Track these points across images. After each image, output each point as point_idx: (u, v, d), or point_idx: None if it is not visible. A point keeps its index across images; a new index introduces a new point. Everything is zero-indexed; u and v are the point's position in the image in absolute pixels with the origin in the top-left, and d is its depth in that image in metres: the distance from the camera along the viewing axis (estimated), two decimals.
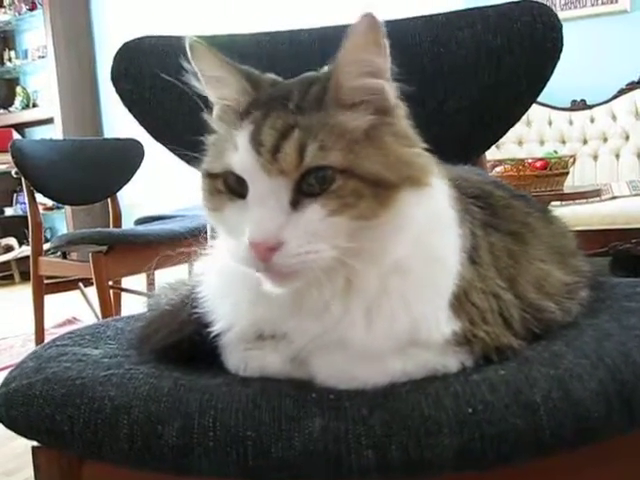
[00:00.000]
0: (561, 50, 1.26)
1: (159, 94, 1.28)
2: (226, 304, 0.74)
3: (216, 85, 0.67)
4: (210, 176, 0.66)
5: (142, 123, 1.30)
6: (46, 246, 3.07)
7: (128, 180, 3.32)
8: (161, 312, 0.83)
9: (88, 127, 5.57)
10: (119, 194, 3.39)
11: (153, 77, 1.27)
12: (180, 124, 1.24)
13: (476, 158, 1.35)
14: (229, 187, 0.64)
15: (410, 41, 1.27)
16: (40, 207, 5.26)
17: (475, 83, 1.27)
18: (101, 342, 0.89)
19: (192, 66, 0.67)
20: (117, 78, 1.28)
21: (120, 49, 1.29)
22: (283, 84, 0.69)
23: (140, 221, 3.45)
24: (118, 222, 3.40)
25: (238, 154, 0.62)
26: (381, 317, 0.67)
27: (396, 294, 0.66)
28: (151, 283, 3.35)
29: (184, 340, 0.75)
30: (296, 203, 0.61)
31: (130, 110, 1.29)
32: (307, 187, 0.61)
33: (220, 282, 0.76)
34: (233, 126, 0.64)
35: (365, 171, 0.61)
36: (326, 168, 0.60)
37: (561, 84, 4.05)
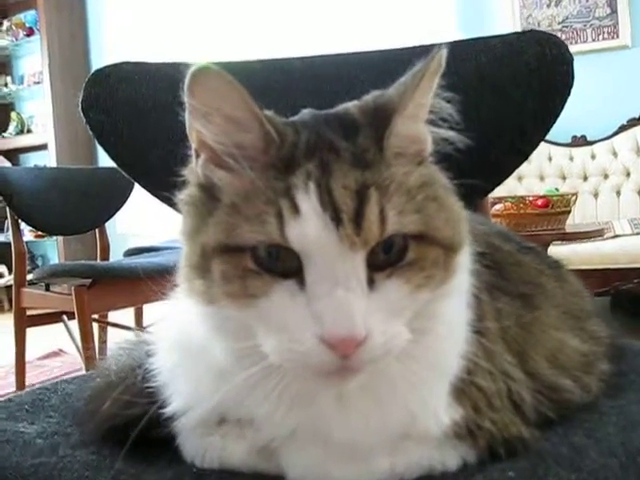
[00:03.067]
0: (572, 85, 1.15)
1: (133, 125, 1.17)
2: (183, 381, 0.64)
3: (230, 128, 0.53)
4: (230, 250, 0.53)
5: (113, 157, 1.19)
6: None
7: (116, 211, 3.22)
8: (109, 382, 0.71)
9: (82, 154, 5.46)
10: (112, 223, 3.29)
11: (127, 107, 1.17)
12: (154, 159, 1.14)
13: (478, 202, 1.23)
14: (264, 265, 0.52)
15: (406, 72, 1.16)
16: (31, 234, 5.22)
17: (478, 119, 1.15)
18: (41, 414, 0.76)
19: (191, 100, 0.52)
20: (87, 107, 1.16)
21: (92, 75, 1.17)
22: (309, 128, 0.57)
23: (129, 252, 3.34)
24: (106, 254, 3.29)
25: (302, 222, 0.50)
26: (375, 406, 0.57)
27: (397, 378, 0.57)
28: (140, 317, 3.24)
29: (132, 421, 0.63)
30: (371, 281, 0.51)
31: (101, 142, 1.17)
32: (377, 260, 0.51)
33: (177, 354, 0.65)
34: (269, 182, 0.52)
35: (441, 235, 0.54)
36: (398, 235, 0.52)
37: (562, 119, 3.94)
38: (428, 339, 0.57)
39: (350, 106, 0.59)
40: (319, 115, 0.60)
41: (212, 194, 0.55)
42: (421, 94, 0.55)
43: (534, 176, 4.18)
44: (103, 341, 3.10)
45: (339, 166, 0.52)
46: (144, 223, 4.83)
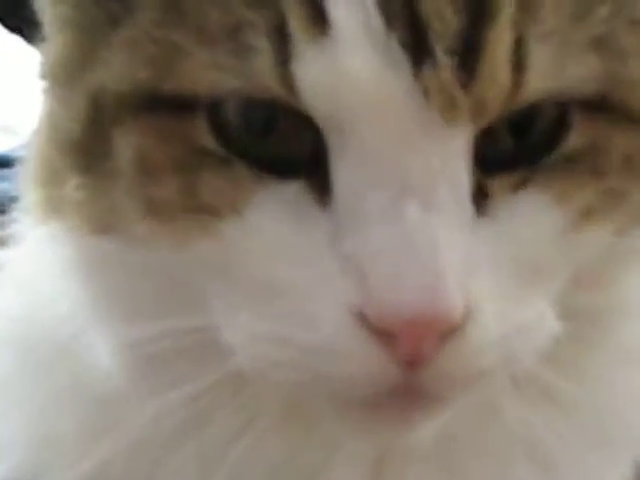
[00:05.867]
0: None
1: None
2: (19, 418, 0.59)
3: None
4: (159, 106, 0.45)
5: None
6: None
7: None
8: None
9: None
10: None
11: None
12: None
13: None
14: (239, 143, 0.44)
15: None
16: None
17: None
18: None
19: None
20: None
21: None
22: None
23: None
24: None
25: (331, 50, 0.40)
26: None
27: (528, 438, 0.52)
28: None
29: None
30: (481, 194, 0.43)
31: None
32: (497, 150, 0.44)
33: (9, 356, 0.60)
34: None
35: None
36: (548, 101, 0.44)
37: None
38: (605, 343, 0.52)
39: None
40: None
41: None
42: None
43: None
44: None
45: None
46: None
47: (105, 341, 0.50)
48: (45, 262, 0.53)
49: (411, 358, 0.40)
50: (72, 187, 0.47)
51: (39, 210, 0.51)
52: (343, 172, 0.41)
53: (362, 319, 0.39)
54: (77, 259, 0.50)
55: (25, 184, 0.53)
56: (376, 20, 0.39)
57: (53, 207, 0.49)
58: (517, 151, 0.43)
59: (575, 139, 0.44)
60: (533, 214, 0.43)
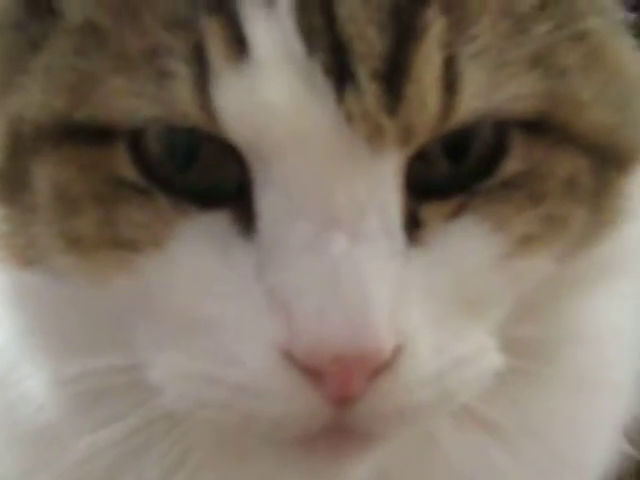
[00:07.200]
0: None
1: None
2: None
3: None
4: (79, 135, 0.43)
5: None
6: None
7: None
8: None
9: None
10: None
11: None
12: None
13: None
14: (159, 173, 0.43)
15: None
16: None
17: None
18: None
19: None
20: None
21: None
22: None
23: None
24: None
25: (252, 75, 0.40)
26: None
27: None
28: None
29: None
30: (413, 223, 0.43)
31: None
32: (430, 174, 0.43)
33: None
34: None
35: (587, 122, 0.45)
36: (484, 122, 0.43)
37: None
38: (549, 375, 0.50)
39: None
40: None
41: (38, 4, 0.46)
42: None
43: None
44: None
45: None
46: None
47: (36, 376, 0.49)
48: None
49: (340, 396, 0.39)
50: None
51: None
52: (267, 202, 0.40)
53: (288, 356, 0.39)
54: (7, 291, 0.49)
55: None
56: (296, 44, 0.39)
57: None
58: (453, 176, 0.43)
59: (513, 164, 0.43)
60: (470, 242, 0.43)
